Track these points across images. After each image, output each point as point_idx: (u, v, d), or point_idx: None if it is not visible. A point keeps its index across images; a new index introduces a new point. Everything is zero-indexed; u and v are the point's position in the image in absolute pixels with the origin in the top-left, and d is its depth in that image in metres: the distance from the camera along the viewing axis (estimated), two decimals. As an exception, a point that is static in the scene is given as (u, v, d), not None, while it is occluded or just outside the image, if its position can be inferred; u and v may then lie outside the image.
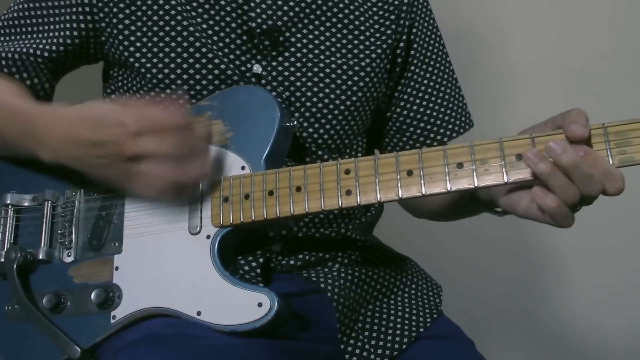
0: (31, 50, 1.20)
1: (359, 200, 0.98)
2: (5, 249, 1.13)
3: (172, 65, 1.14)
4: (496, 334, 1.99)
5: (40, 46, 1.20)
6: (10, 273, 1.10)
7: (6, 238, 1.15)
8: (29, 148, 1.08)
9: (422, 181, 0.95)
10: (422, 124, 1.32)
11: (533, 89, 1.89)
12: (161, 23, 1.15)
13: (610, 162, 0.88)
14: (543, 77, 1.94)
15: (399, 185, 0.96)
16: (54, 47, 1.21)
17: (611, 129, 0.89)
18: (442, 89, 1.33)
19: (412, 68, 1.32)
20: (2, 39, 1.24)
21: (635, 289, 1.87)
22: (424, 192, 0.95)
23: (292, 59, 1.18)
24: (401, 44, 1.29)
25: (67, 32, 1.20)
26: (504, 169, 0.92)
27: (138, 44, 1.16)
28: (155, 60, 1.15)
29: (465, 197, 1.15)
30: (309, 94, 1.17)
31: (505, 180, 0.92)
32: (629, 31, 1.88)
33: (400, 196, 0.96)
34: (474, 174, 0.93)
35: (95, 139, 0.97)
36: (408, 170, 0.96)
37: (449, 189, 0.94)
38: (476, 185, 0.93)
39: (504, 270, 2.02)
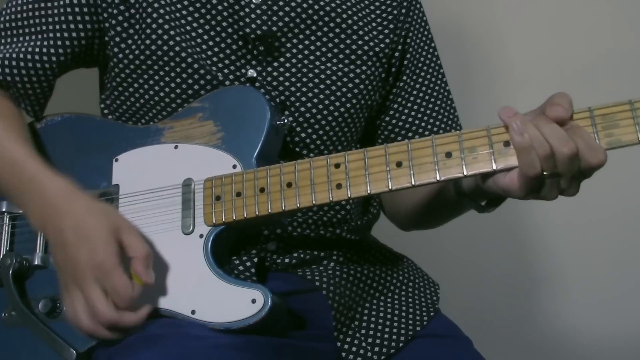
0: (37, 60, 1.19)
1: (349, 193, 0.98)
2: (0, 256, 1.14)
3: (167, 68, 1.15)
4: (493, 332, 1.97)
5: (45, 51, 1.19)
6: (6, 279, 1.11)
7: (1, 245, 1.16)
8: (19, 206, 1.11)
9: (412, 172, 0.96)
10: (410, 134, 1.32)
11: (532, 89, 1.89)
12: (155, 25, 1.15)
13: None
14: (542, 78, 1.94)
15: (389, 177, 0.97)
16: (60, 50, 1.19)
17: (597, 111, 0.89)
18: (432, 99, 1.33)
19: (404, 77, 1.32)
20: (2, 41, 1.22)
21: (633, 289, 1.86)
22: (413, 183, 0.95)
23: (287, 64, 1.19)
24: (396, 54, 1.29)
25: (74, 34, 1.19)
26: (492, 157, 0.93)
27: (130, 41, 1.17)
28: (150, 61, 1.16)
29: (450, 192, 1.13)
30: (303, 98, 1.18)
31: (494, 168, 0.93)
32: (629, 31, 1.88)
33: (390, 187, 0.96)
34: (463, 162, 0.94)
35: (65, 241, 1.00)
36: (397, 161, 0.97)
37: (438, 178, 0.94)
38: (465, 173, 0.94)
39: (501, 268, 2.01)
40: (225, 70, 1.16)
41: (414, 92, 1.32)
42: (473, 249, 2.04)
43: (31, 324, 1.08)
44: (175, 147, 1.11)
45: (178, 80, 1.15)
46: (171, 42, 1.15)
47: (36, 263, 1.13)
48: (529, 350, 2.00)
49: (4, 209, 1.17)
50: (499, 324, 2.01)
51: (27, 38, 1.21)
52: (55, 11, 1.19)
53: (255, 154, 1.06)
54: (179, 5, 1.18)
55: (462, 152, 0.94)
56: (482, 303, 2.01)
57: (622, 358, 1.87)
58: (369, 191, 0.97)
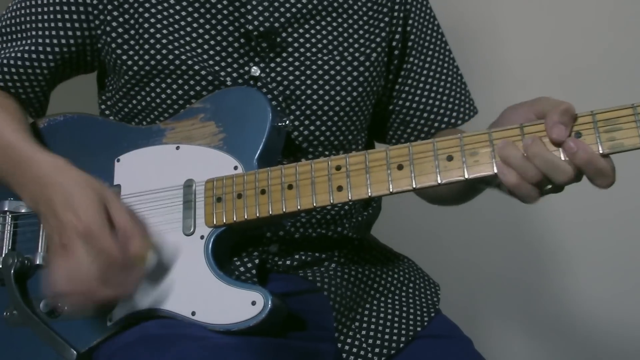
0: (27, 62, 1.20)
1: (350, 195, 0.98)
2: (2, 255, 1.15)
3: (169, 73, 1.15)
4: (494, 333, 1.98)
5: (34, 55, 1.20)
6: (7, 279, 1.11)
7: (4, 244, 1.16)
8: (13, 187, 1.11)
9: (413, 174, 0.95)
10: (425, 114, 1.32)
11: (531, 89, 1.85)
12: (153, 30, 1.15)
13: (600, 149, 0.88)
14: (541, 78, 1.93)
15: (390, 179, 0.96)
16: (50, 56, 1.21)
17: (600, 115, 0.88)
18: (443, 77, 1.34)
19: (411, 59, 1.32)
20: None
21: (635, 288, 1.86)
22: (414, 186, 0.95)
23: (290, 59, 1.19)
24: (397, 36, 1.29)
25: (63, 41, 1.20)
26: (493, 160, 0.92)
27: (131, 52, 1.16)
28: (148, 67, 1.15)
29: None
30: (308, 92, 1.17)
31: (495, 171, 0.92)
32: (628, 31, 1.87)
33: (390, 190, 0.96)
34: (464, 165, 0.93)
35: (54, 209, 1.00)
36: (398, 164, 0.96)
37: (439, 181, 0.94)
38: (466, 176, 0.93)
39: (502, 268, 2.01)
40: (229, 69, 1.16)
41: (424, 72, 1.33)
42: (473, 249, 2.04)
43: (32, 324, 1.09)
44: (177, 148, 1.10)
45: (181, 82, 1.14)
46: (170, 47, 1.14)
47: (38, 262, 1.13)
48: (530, 350, 2.00)
49: (6, 209, 1.17)
50: (500, 324, 2.01)
51: (19, 43, 1.22)
52: (46, 16, 1.20)
53: (257, 155, 1.06)
54: (177, 7, 1.17)
55: (463, 155, 0.94)
56: (483, 303, 2.02)
57: (623, 359, 1.87)
58: (369, 194, 0.97)
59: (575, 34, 1.92)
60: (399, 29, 1.29)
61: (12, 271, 1.11)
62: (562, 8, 1.94)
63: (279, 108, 1.16)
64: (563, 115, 0.89)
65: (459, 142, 0.94)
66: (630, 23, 1.86)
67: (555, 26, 1.95)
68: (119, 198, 1.04)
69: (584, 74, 1.88)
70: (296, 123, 1.17)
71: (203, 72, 1.14)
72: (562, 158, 0.89)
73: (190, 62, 1.14)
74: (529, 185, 0.90)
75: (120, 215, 1.00)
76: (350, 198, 0.98)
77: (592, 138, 0.89)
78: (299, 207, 1.00)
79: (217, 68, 1.15)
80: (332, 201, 0.99)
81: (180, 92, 1.15)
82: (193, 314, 1.02)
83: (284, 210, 1.01)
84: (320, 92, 1.18)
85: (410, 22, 1.31)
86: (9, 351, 1.12)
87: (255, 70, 1.17)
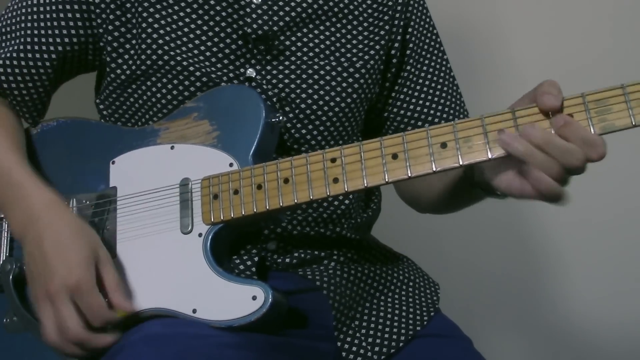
0: (30, 62, 1.20)
1: (346, 187, 0.99)
2: (1, 262, 1.14)
3: (163, 71, 1.16)
4: (494, 332, 1.97)
5: (37, 55, 1.20)
6: (6, 285, 1.11)
7: (1, 250, 1.17)
8: (4, 211, 1.14)
9: (407, 163, 0.96)
10: (419, 123, 1.32)
11: (531, 88, 1.89)
12: (150, 30, 1.16)
13: (592, 130, 0.89)
14: (543, 77, 1.93)
15: (385, 169, 0.97)
16: (53, 55, 1.21)
17: (590, 97, 0.90)
18: (439, 87, 1.34)
19: (408, 68, 1.33)
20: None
21: (634, 288, 1.86)
22: (410, 174, 0.96)
23: (287, 63, 1.19)
24: (396, 44, 1.30)
25: (67, 39, 1.20)
26: (487, 146, 0.93)
27: (128, 52, 1.18)
28: (144, 67, 1.16)
29: (464, 184, 1.14)
30: (303, 95, 1.18)
31: (489, 157, 0.93)
32: (629, 31, 1.88)
33: (386, 180, 0.97)
34: (458, 152, 0.94)
35: (44, 251, 1.03)
36: (393, 153, 0.97)
37: (434, 169, 0.95)
38: (461, 163, 0.94)
39: (501, 268, 2.01)
40: (225, 70, 1.16)
41: (419, 82, 1.33)
42: (473, 249, 2.03)
43: (33, 329, 1.08)
44: (172, 148, 1.11)
45: (176, 82, 1.15)
46: (166, 47, 1.15)
47: (36, 268, 1.13)
48: (529, 350, 1.99)
49: (2, 215, 1.17)
50: (500, 324, 2.00)
51: (20, 40, 1.22)
52: (49, 15, 1.20)
53: (252, 151, 1.06)
54: (176, 7, 1.18)
55: (457, 142, 0.94)
56: (482, 303, 2.01)
57: (623, 358, 1.86)
58: (365, 184, 0.98)
59: (576, 33, 1.92)
60: (399, 37, 1.30)
61: (11, 277, 1.11)
62: (562, 7, 1.94)
63: (268, 102, 1.16)
64: (550, 87, 0.91)
65: (452, 128, 0.95)
66: (631, 23, 1.87)
67: (557, 25, 1.95)
68: (110, 259, 1.06)
69: (584, 73, 1.88)
70: (288, 125, 1.18)
71: (198, 73, 1.15)
72: None
73: (185, 62, 1.15)
74: (556, 183, 0.91)
75: (110, 279, 1.03)
76: (346, 189, 0.98)
77: (583, 120, 0.90)
78: (295, 201, 1.01)
79: (212, 69, 1.16)
80: (328, 193, 0.99)
81: (175, 92, 1.16)
82: (194, 311, 1.01)
83: (281, 204, 1.01)
84: (315, 96, 1.19)
85: (410, 30, 1.32)
86: (11, 355, 1.12)
87: (251, 72, 1.17)
